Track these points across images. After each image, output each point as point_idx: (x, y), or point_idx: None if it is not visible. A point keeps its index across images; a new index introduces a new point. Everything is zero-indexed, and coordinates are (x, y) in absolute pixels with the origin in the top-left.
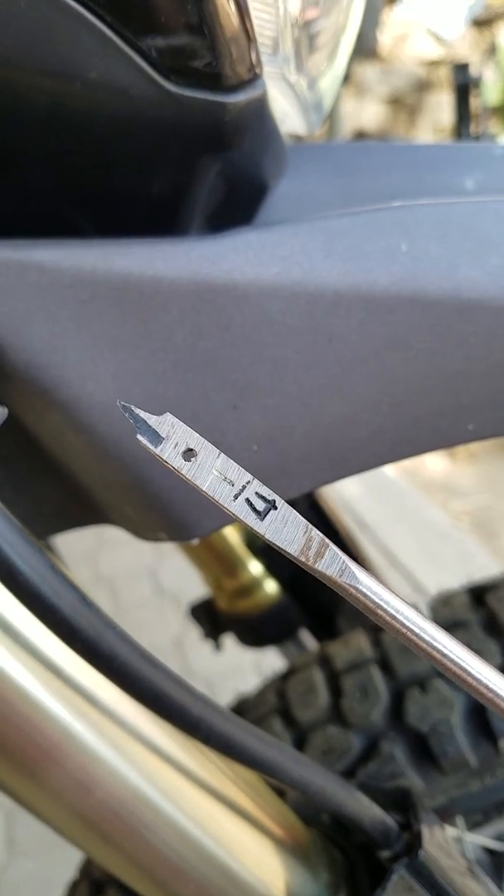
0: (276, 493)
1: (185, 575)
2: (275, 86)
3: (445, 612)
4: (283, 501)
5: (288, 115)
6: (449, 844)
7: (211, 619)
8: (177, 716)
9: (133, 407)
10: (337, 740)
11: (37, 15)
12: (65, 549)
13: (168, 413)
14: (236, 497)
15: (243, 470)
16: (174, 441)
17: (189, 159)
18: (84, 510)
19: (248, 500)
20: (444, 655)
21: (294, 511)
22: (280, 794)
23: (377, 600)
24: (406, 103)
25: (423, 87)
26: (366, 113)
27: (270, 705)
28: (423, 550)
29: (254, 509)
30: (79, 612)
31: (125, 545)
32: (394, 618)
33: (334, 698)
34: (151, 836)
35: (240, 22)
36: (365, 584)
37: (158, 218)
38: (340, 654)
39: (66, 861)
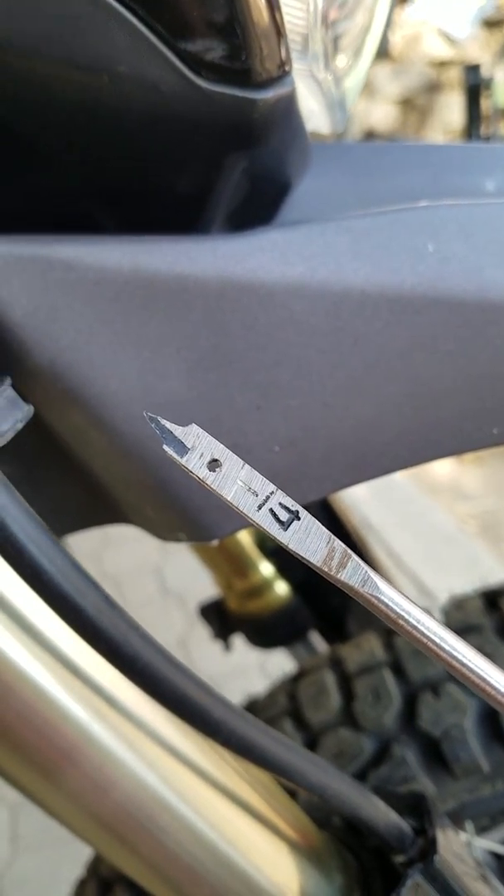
0: (298, 496)
1: (190, 574)
2: (302, 83)
3: (458, 617)
4: (306, 512)
5: (312, 114)
6: (462, 850)
7: (221, 619)
8: (198, 718)
9: (159, 417)
10: (348, 743)
11: (66, 5)
12: (70, 546)
13: (193, 424)
14: (260, 507)
15: (267, 481)
16: (199, 451)
17: (216, 156)
18: (103, 509)
19: (271, 511)
20: (465, 666)
21: (317, 522)
22: (291, 795)
23: (399, 611)
24: (417, 104)
25: (433, 87)
26: (376, 113)
27: (281, 707)
28: (429, 554)
29: (277, 519)
30: (103, 612)
31: (130, 543)
32: (415, 628)
33: (346, 701)
34: (167, 838)
35: (271, 18)
36: (387, 594)
37: (181, 215)
38: (352, 656)
39: (71, 857)
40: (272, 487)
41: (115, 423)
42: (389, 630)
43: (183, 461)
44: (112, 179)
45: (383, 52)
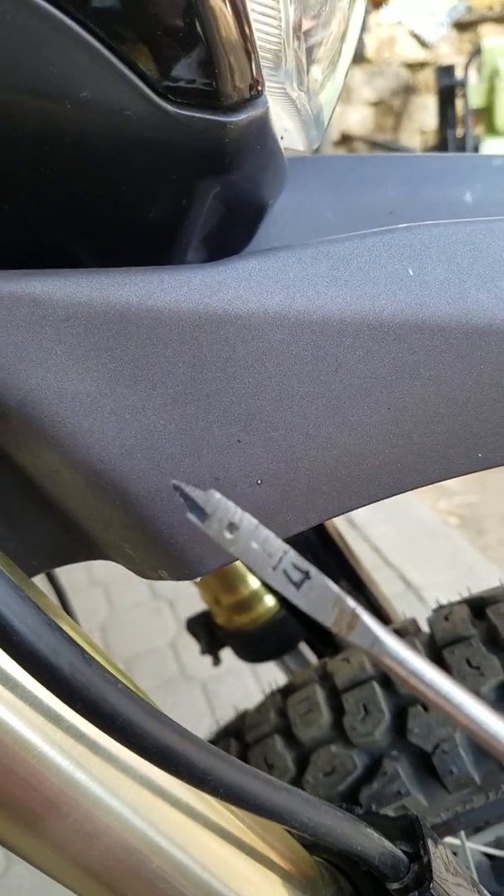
0: (282, 528)
1: (190, 582)
2: (276, 102)
3: (446, 627)
4: (316, 570)
5: (287, 132)
6: (457, 868)
7: (208, 633)
8: (183, 770)
9: (182, 484)
10: (339, 760)
11: (23, 30)
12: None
13: (212, 489)
14: (274, 568)
15: (279, 540)
16: (218, 516)
17: (188, 182)
18: (81, 547)
19: (284, 571)
20: (481, 727)
21: (326, 580)
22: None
23: (410, 670)
24: (391, 106)
25: (408, 89)
26: (351, 116)
27: (271, 724)
28: (412, 549)
29: (290, 580)
30: (78, 669)
31: None
32: (428, 687)
33: (336, 717)
34: (158, 881)
35: (241, 37)
36: (396, 654)
37: (155, 243)
38: (342, 670)
39: None
40: (284, 547)
41: (90, 463)
42: None
43: (204, 527)
44: (79, 209)
45: (358, 56)
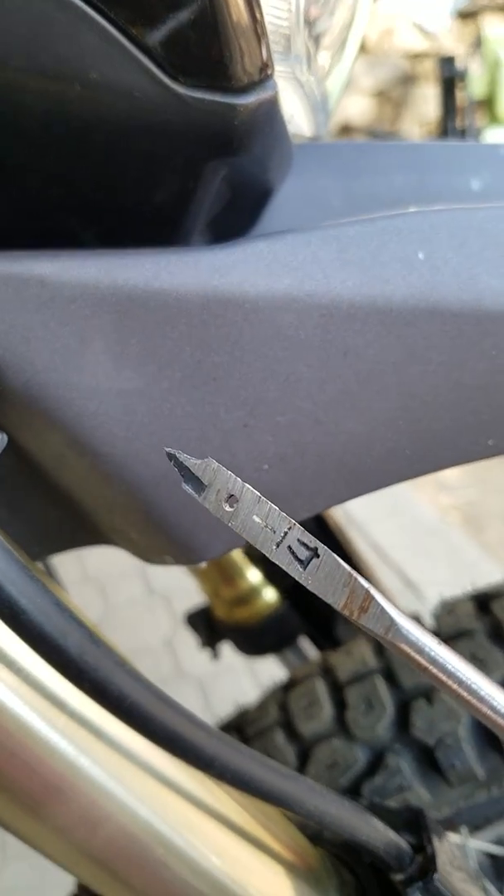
0: (289, 514)
1: (175, 574)
2: (284, 86)
3: (450, 621)
4: (325, 548)
5: (294, 116)
6: (460, 861)
7: (208, 627)
8: (190, 754)
9: (177, 452)
10: (342, 754)
11: (33, 11)
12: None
13: (209, 458)
14: (278, 545)
15: (284, 515)
16: (216, 488)
17: (196, 165)
18: (84, 531)
19: (290, 548)
20: (502, 714)
21: (337, 559)
22: (285, 813)
23: (429, 657)
24: (392, 96)
25: (408, 80)
26: (352, 106)
27: (273, 718)
28: (412, 545)
29: (296, 557)
30: (87, 651)
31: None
32: (449, 675)
33: (338, 710)
34: (161, 870)
35: (251, 19)
36: (415, 640)
37: (160, 226)
38: (344, 664)
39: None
40: (289, 522)
41: (95, 446)
42: None
43: (200, 499)
44: (88, 191)
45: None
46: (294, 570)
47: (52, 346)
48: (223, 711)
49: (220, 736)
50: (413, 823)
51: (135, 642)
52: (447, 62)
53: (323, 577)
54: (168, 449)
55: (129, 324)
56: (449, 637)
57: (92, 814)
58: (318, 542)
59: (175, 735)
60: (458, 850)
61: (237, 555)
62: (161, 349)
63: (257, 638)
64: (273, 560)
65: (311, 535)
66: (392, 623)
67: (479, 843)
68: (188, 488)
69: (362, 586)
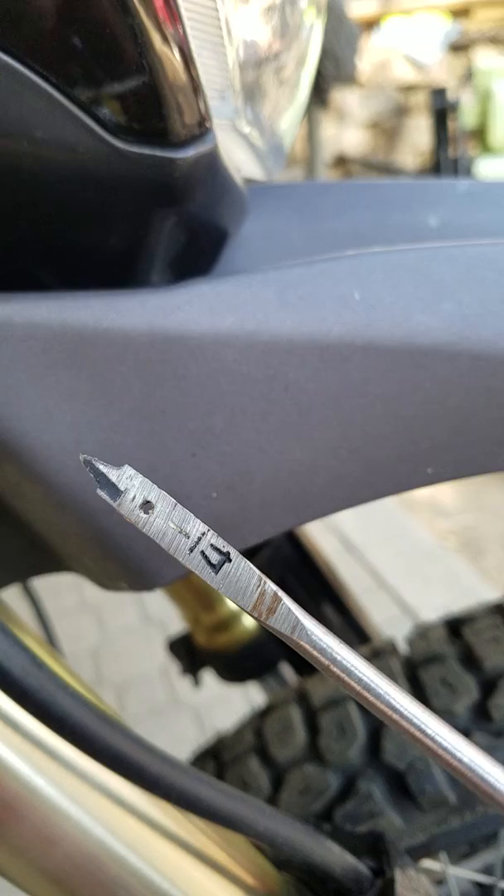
0: (238, 539)
1: (171, 603)
2: (229, 136)
3: (422, 646)
4: (237, 553)
5: (244, 163)
6: (425, 887)
7: (189, 654)
8: (135, 774)
9: (93, 459)
10: (314, 779)
11: None
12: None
13: (126, 465)
14: (192, 550)
15: (199, 522)
16: (132, 494)
17: (142, 213)
18: (44, 559)
19: (203, 553)
20: (402, 715)
21: (248, 563)
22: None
23: (331, 658)
24: (386, 128)
25: (402, 111)
26: (346, 138)
27: (248, 744)
28: (409, 570)
29: (209, 562)
30: (30, 673)
31: None
32: (350, 675)
33: (311, 736)
34: (118, 890)
35: (187, 76)
36: (317, 640)
37: (116, 268)
38: (318, 690)
39: None
40: (203, 528)
41: (48, 476)
42: None
43: (116, 504)
44: (43, 238)
45: (352, 79)
46: (206, 575)
47: (6, 382)
48: None
49: (164, 757)
50: (374, 847)
51: (131, 671)
52: (439, 94)
53: (234, 581)
54: (83, 455)
55: (79, 360)
56: (421, 661)
57: (46, 833)
58: (230, 547)
59: (119, 755)
60: (431, 878)
61: None
62: (110, 384)
63: (238, 664)
64: (185, 564)
65: (223, 541)
66: (297, 623)
67: (462, 872)
68: (103, 493)
69: (271, 589)
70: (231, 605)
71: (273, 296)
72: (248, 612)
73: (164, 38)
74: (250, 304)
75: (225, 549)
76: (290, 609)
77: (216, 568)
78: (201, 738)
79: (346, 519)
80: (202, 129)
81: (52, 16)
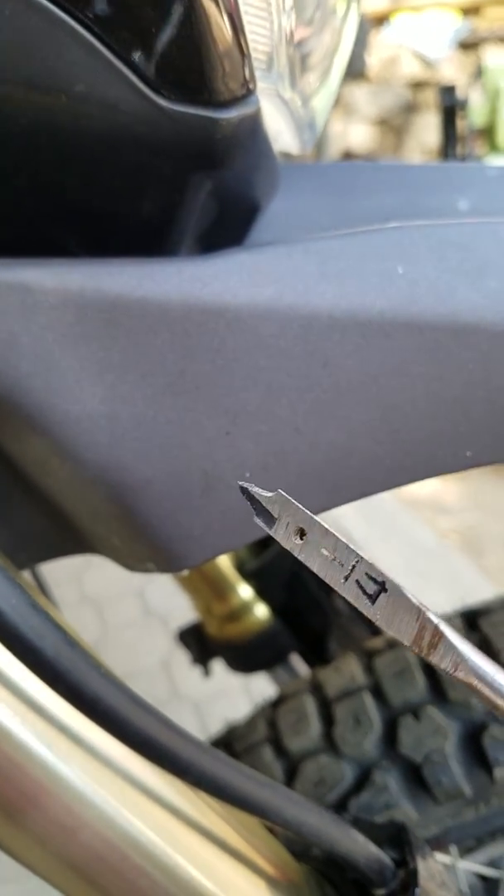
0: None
1: (172, 595)
2: (268, 103)
3: None
4: (393, 582)
5: (281, 134)
6: (445, 879)
7: (199, 644)
8: (166, 759)
9: (249, 486)
10: (329, 770)
11: (21, 25)
12: (50, 569)
13: (279, 491)
14: (346, 579)
15: (352, 548)
16: (285, 521)
17: (179, 178)
18: (68, 539)
19: (357, 582)
20: None
21: (405, 593)
22: (269, 827)
23: (500, 692)
24: (393, 124)
25: (410, 108)
26: (354, 134)
27: (261, 734)
28: (410, 568)
29: (364, 591)
30: (62, 653)
31: (112, 565)
32: None
33: (326, 727)
34: (140, 880)
35: (233, 36)
36: (483, 674)
37: (147, 237)
38: (332, 680)
39: (47, 888)
40: (357, 556)
41: (78, 452)
42: (369, 652)
43: (272, 531)
44: (74, 201)
45: (361, 74)
46: (363, 605)
47: (36, 352)
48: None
49: (196, 742)
50: (396, 839)
51: (131, 664)
52: (448, 91)
53: (391, 613)
54: (241, 483)
55: (112, 331)
56: None
57: (69, 821)
58: (385, 575)
59: (151, 740)
60: (445, 870)
61: (229, 570)
62: (144, 357)
63: (249, 654)
64: (342, 594)
65: (378, 569)
66: (462, 659)
67: (469, 865)
68: (260, 522)
69: (431, 622)
70: (244, 595)
71: (314, 267)
72: (408, 647)
73: None
74: (290, 275)
75: (380, 579)
76: (452, 644)
77: (372, 599)
78: (202, 731)
79: (347, 515)
80: (246, 90)
81: None
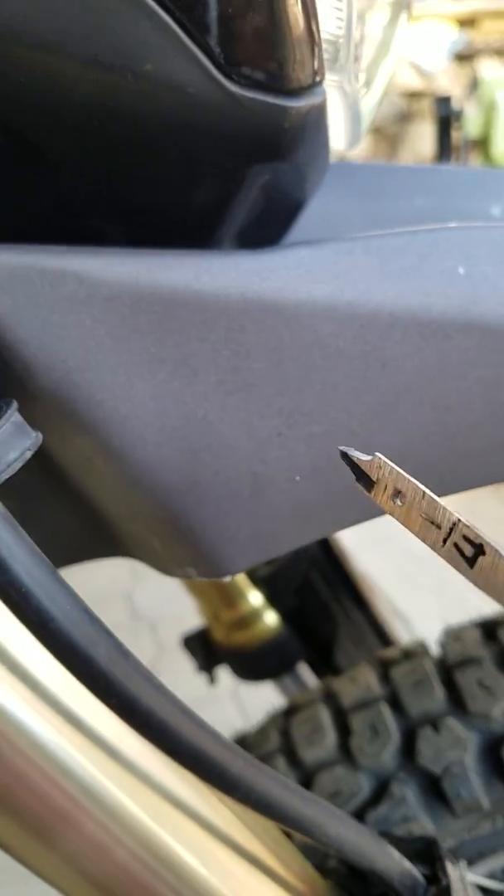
0: (319, 528)
1: (161, 599)
2: (330, 95)
3: (457, 648)
4: (490, 544)
5: (333, 128)
6: (473, 894)
7: (205, 650)
8: (215, 775)
9: (348, 450)
10: (345, 782)
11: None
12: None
13: (377, 454)
14: (444, 541)
15: (449, 510)
16: (384, 483)
17: (240, 167)
18: (101, 541)
19: (455, 545)
20: None
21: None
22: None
23: None
24: (389, 133)
25: (405, 117)
26: None
27: (273, 744)
28: (401, 575)
29: (462, 555)
30: (116, 663)
31: (99, 567)
32: None
33: (342, 737)
34: None
35: (307, 24)
36: None
37: (194, 229)
38: (347, 690)
39: (43, 892)
40: (455, 517)
41: (125, 450)
42: (385, 662)
43: (371, 495)
44: (126, 188)
45: None
46: (462, 570)
47: (87, 345)
48: None
49: (245, 757)
50: (425, 854)
51: None
52: (443, 102)
53: (490, 576)
54: (341, 448)
55: (167, 325)
56: (456, 664)
57: (103, 839)
58: (483, 536)
59: (202, 755)
60: (473, 887)
61: (240, 576)
62: (198, 352)
63: (257, 662)
64: (441, 557)
65: (475, 530)
66: None
67: (473, 877)
68: (361, 486)
69: None
70: (254, 601)
71: (375, 264)
72: None
73: None
74: (351, 272)
75: (478, 541)
76: None
77: (471, 562)
78: None
79: None
80: (315, 80)
81: None
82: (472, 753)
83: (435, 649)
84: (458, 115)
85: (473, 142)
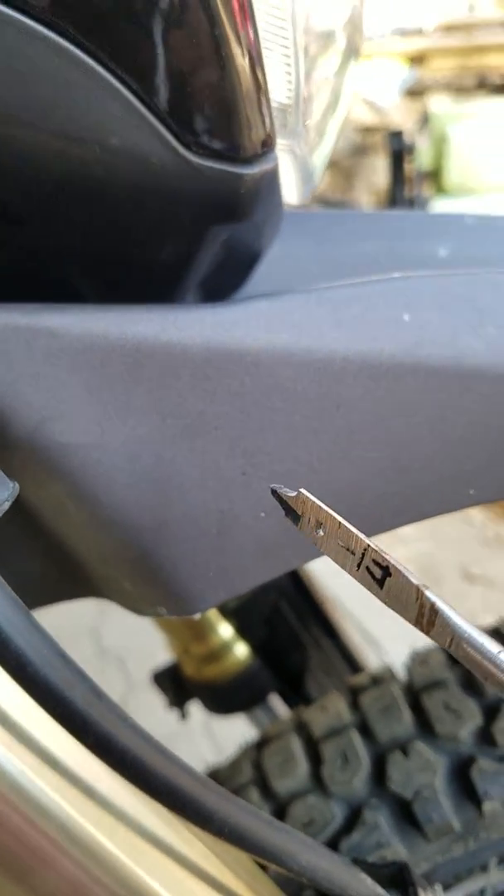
0: (284, 561)
1: (128, 634)
2: (281, 157)
3: (423, 672)
4: (396, 567)
5: (285, 186)
6: None
7: (176, 686)
8: (190, 810)
9: (278, 487)
10: (318, 811)
11: (61, 78)
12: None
13: (301, 489)
14: (358, 566)
15: (360, 535)
16: (307, 516)
17: (200, 228)
18: (75, 583)
19: (367, 568)
20: None
21: (406, 575)
22: (262, 869)
23: (494, 663)
24: (344, 166)
25: (359, 151)
26: None
27: (246, 777)
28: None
29: (374, 577)
30: (92, 704)
31: (64, 604)
32: None
33: (314, 766)
34: None
35: (259, 96)
36: (478, 646)
37: (160, 283)
38: (318, 719)
39: None
40: (365, 543)
41: (96, 495)
42: (354, 689)
43: (298, 527)
44: (93, 248)
45: None
46: (374, 591)
47: (60, 396)
48: None
49: (218, 791)
50: (398, 879)
51: None
52: (396, 136)
53: (397, 595)
54: (273, 486)
55: (136, 375)
56: (423, 687)
57: (81, 879)
58: (389, 560)
59: (176, 791)
60: None
61: (211, 610)
62: (166, 399)
63: (229, 695)
64: (356, 580)
65: (383, 555)
66: (458, 633)
67: None
68: (290, 519)
69: (429, 599)
70: (224, 634)
71: (328, 314)
72: (413, 625)
73: (244, 54)
74: (306, 321)
75: (385, 564)
76: (448, 619)
77: (381, 583)
78: None
79: None
80: (267, 147)
81: (140, 23)
82: (442, 776)
83: (402, 673)
84: (411, 149)
85: (426, 174)
